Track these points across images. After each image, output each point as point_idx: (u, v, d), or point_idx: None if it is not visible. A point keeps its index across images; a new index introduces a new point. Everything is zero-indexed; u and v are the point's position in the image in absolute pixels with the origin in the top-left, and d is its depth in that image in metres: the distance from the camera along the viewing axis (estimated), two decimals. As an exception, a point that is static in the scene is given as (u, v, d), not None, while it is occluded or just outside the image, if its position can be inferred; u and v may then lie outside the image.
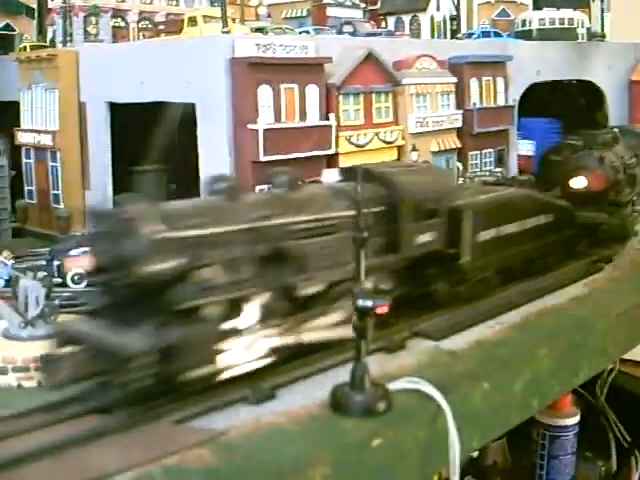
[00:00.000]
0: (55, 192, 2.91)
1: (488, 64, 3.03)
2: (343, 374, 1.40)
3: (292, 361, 1.50)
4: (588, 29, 4.01)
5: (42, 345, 1.38)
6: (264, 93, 2.27)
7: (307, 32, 3.25)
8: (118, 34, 3.52)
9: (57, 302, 1.81)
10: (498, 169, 3.00)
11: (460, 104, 2.92)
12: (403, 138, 2.70)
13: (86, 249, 1.84)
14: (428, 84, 2.78)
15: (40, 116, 2.94)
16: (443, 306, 1.86)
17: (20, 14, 3.97)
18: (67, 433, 1.19)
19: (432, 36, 4.15)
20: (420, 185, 1.82)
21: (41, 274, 1.85)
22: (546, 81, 3.40)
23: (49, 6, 3.67)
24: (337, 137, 2.45)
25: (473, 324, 1.81)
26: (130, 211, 1.34)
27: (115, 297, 1.36)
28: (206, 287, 1.36)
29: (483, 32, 3.74)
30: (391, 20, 4.26)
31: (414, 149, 2.72)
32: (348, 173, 1.84)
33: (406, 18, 4.22)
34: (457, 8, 4.05)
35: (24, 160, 3.05)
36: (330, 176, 1.85)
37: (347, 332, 1.44)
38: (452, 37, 4.08)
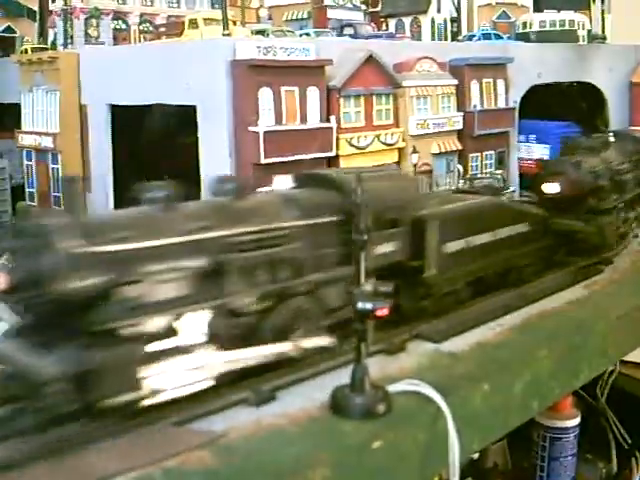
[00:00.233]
0: (56, 194, 2.91)
1: (489, 66, 3.03)
2: (343, 376, 1.40)
3: (238, 383, 1.42)
4: (589, 31, 4.01)
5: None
6: (265, 95, 2.28)
7: (308, 34, 3.25)
8: (119, 36, 3.53)
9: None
10: (499, 171, 3.00)
11: (461, 106, 2.92)
12: (404, 140, 2.70)
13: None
14: (429, 86, 2.78)
15: (41, 118, 2.94)
16: (408, 321, 1.76)
17: (21, 16, 3.98)
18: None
19: (433, 38, 4.14)
20: (380, 192, 1.70)
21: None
22: (547, 83, 3.40)
23: (50, 8, 3.68)
24: (338, 139, 2.45)
25: (473, 326, 1.81)
26: (48, 225, 1.26)
27: (34, 316, 1.28)
28: (133, 306, 1.27)
29: (484, 34, 3.74)
30: (392, 22, 4.26)
31: (415, 151, 2.72)
32: (302, 180, 1.75)
33: (407, 20, 4.22)
34: (458, 10, 4.05)
35: (25, 162, 3.05)
36: (282, 183, 1.77)
37: (301, 350, 1.41)
38: (453, 39, 4.07)
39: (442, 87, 2.85)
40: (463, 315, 1.86)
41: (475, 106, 2.96)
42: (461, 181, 2.86)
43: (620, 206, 2.48)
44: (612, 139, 2.67)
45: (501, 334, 1.79)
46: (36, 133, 2.95)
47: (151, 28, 3.61)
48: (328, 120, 2.44)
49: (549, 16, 3.93)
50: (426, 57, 2.80)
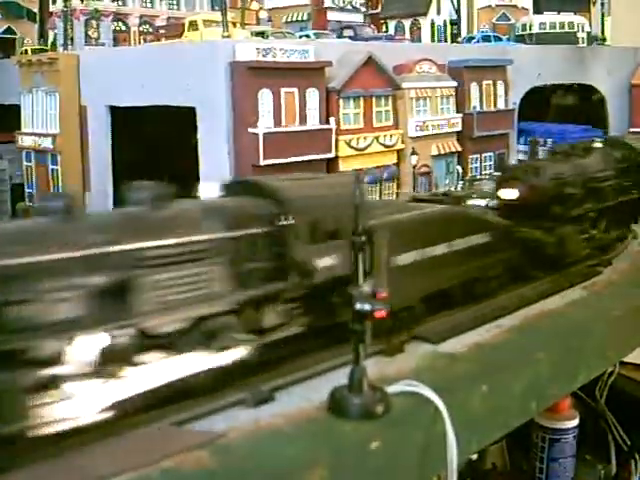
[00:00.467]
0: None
1: (488, 68, 3.04)
2: (341, 377, 1.40)
3: (176, 403, 1.33)
4: (588, 33, 4.02)
5: None
6: (264, 97, 2.28)
7: (307, 36, 3.26)
8: (119, 38, 3.54)
9: None
10: (498, 173, 3.01)
11: (460, 108, 2.93)
12: (403, 142, 2.71)
13: None
14: (428, 88, 2.79)
15: (41, 119, 2.95)
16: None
17: (22, 18, 3.99)
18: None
19: (432, 40, 4.16)
20: (318, 201, 1.58)
21: None
22: (546, 85, 3.41)
23: (50, 10, 3.69)
24: (337, 141, 2.46)
25: (472, 327, 1.81)
26: None
27: None
28: (19, 328, 1.15)
29: (483, 36, 3.75)
30: (391, 24, 4.28)
31: (414, 153, 2.73)
32: (232, 187, 1.61)
33: (406, 22, 4.24)
34: (457, 12, 4.06)
35: (25, 163, 3.05)
36: (209, 190, 1.59)
37: (218, 378, 1.31)
38: (452, 41, 4.08)
39: (441, 89, 2.85)
40: (461, 316, 1.86)
41: (474, 108, 2.96)
42: (461, 182, 2.86)
43: (592, 215, 2.34)
44: (599, 145, 2.57)
45: (500, 335, 1.79)
46: (36, 134, 2.96)
47: (151, 30, 3.62)
48: (327, 122, 2.45)
49: (549, 18, 3.95)
50: (425, 59, 2.80)
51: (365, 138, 2.56)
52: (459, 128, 2.92)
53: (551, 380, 1.77)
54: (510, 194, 2.18)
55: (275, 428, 1.30)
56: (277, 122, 2.31)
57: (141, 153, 3.04)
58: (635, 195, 2.57)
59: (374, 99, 2.61)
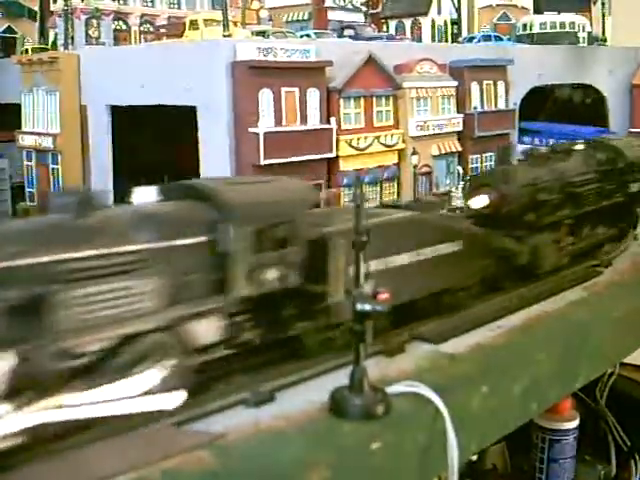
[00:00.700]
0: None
1: (489, 68, 3.04)
2: (342, 377, 1.40)
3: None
4: (589, 33, 4.02)
5: None
6: (265, 96, 2.28)
7: (308, 36, 3.25)
8: (119, 37, 3.53)
9: None
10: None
11: (461, 108, 2.92)
12: (404, 142, 2.70)
13: None
14: (429, 88, 2.79)
15: (41, 119, 2.95)
16: (310, 355, 1.54)
17: (22, 17, 3.99)
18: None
19: (433, 40, 4.15)
20: (265, 206, 1.46)
21: None
22: (547, 85, 3.41)
23: (51, 9, 3.68)
24: (338, 140, 2.45)
25: (472, 328, 1.81)
26: None
27: None
28: None
29: (484, 36, 3.75)
30: (392, 24, 4.27)
31: (415, 153, 2.73)
32: (170, 191, 1.47)
33: (407, 22, 4.23)
34: (458, 12, 4.05)
35: (25, 162, 3.05)
36: (144, 195, 1.45)
37: (147, 403, 1.21)
38: (453, 41, 4.08)
39: (442, 89, 2.85)
40: (462, 316, 1.86)
41: (475, 108, 2.96)
42: (461, 183, 2.86)
43: (570, 222, 2.26)
44: (580, 147, 2.49)
45: (500, 336, 1.79)
46: (36, 133, 2.96)
47: (152, 29, 3.61)
48: (328, 121, 2.44)
49: (549, 18, 3.95)
50: (426, 59, 2.80)
51: (366, 138, 2.56)
52: (460, 128, 2.92)
53: (551, 381, 1.77)
54: (480, 202, 2.07)
55: (276, 429, 1.30)
56: (278, 122, 2.31)
57: (142, 153, 3.04)
58: (619, 199, 2.47)
59: (375, 99, 2.61)
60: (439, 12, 4.21)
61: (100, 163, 2.82)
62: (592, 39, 4.03)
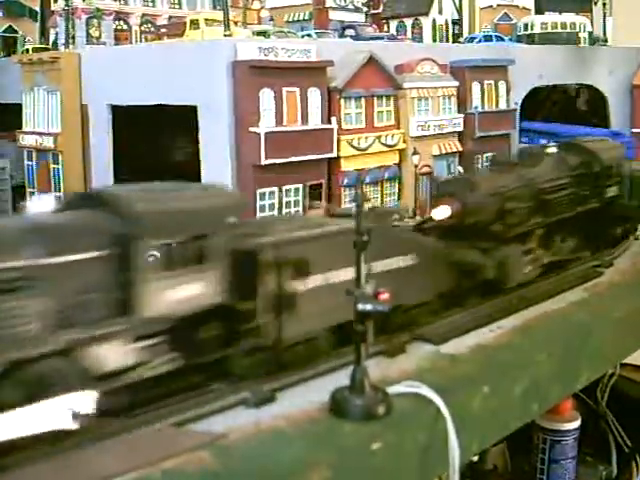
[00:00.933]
0: (56, 194, 2.91)
1: (490, 68, 3.03)
2: (343, 378, 1.40)
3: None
4: (590, 33, 4.01)
5: None
6: (266, 96, 2.28)
7: (309, 35, 3.25)
8: (120, 37, 3.53)
9: None
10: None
11: (461, 108, 2.92)
12: (404, 142, 2.70)
13: None
14: (430, 88, 2.79)
15: (42, 118, 2.95)
16: (242, 379, 1.41)
17: (23, 16, 3.99)
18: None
19: (434, 40, 4.15)
20: (179, 216, 1.31)
21: None
22: (547, 85, 3.40)
23: (52, 8, 3.69)
24: (339, 140, 2.45)
25: (473, 328, 1.81)
26: None
27: None
28: None
29: (485, 36, 3.75)
30: (393, 24, 4.27)
31: (415, 153, 2.72)
32: (74, 200, 1.34)
33: (408, 22, 4.23)
34: (459, 12, 4.06)
35: (26, 162, 3.05)
36: (41, 204, 1.32)
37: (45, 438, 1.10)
38: (454, 41, 4.08)
39: (443, 89, 2.85)
40: (463, 317, 1.85)
41: (476, 108, 2.96)
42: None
43: (541, 232, 2.14)
44: (553, 151, 2.36)
45: (501, 336, 1.79)
46: (37, 133, 2.95)
47: (152, 29, 3.61)
48: (329, 121, 2.44)
49: (550, 18, 3.95)
50: (427, 59, 2.80)
51: (367, 138, 2.56)
52: (461, 128, 2.92)
53: (552, 381, 1.77)
54: (442, 213, 1.94)
55: (276, 429, 1.30)
56: (278, 122, 2.31)
57: (143, 152, 3.04)
58: (595, 205, 2.34)
59: (376, 99, 2.61)
60: (440, 12, 4.21)
61: (101, 163, 2.82)
62: (593, 39, 4.03)
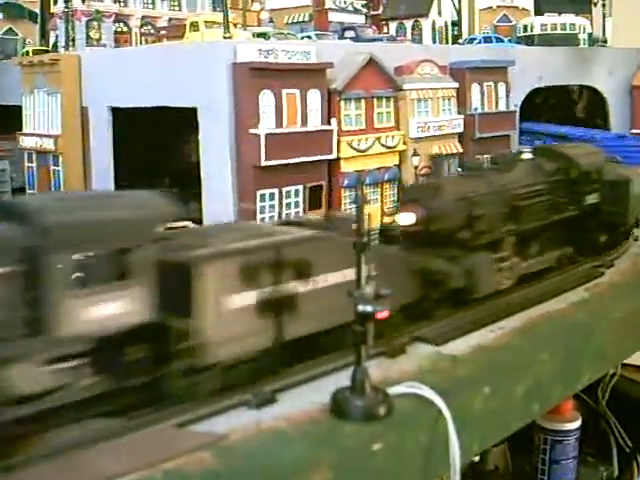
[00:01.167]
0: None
1: (489, 69, 3.04)
2: (343, 378, 1.40)
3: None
4: (590, 34, 4.02)
5: None
6: (266, 98, 2.28)
7: (309, 37, 3.25)
8: (120, 39, 3.54)
9: None
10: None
11: (461, 109, 2.92)
12: (404, 143, 2.70)
13: None
14: (429, 89, 2.79)
15: (42, 120, 2.95)
16: (181, 401, 1.31)
17: (23, 18, 3.99)
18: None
19: (434, 41, 4.15)
20: (98, 226, 1.19)
21: None
22: (547, 86, 3.41)
23: (52, 11, 3.69)
24: (338, 142, 2.45)
25: (474, 329, 1.81)
26: None
27: None
28: None
29: (485, 37, 3.75)
30: (393, 25, 4.27)
31: (415, 154, 2.73)
32: None
33: (408, 23, 4.23)
34: (459, 13, 4.06)
35: (26, 164, 3.05)
36: None
37: None
38: (454, 42, 4.08)
39: (443, 90, 2.85)
40: (464, 318, 1.85)
41: (476, 109, 2.96)
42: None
43: (513, 240, 2.06)
44: (529, 156, 2.30)
45: (502, 337, 1.79)
46: (37, 135, 2.96)
47: (152, 31, 3.62)
48: (329, 123, 2.44)
49: (550, 19, 3.95)
50: (427, 60, 2.80)
51: (366, 139, 2.56)
52: (460, 129, 2.92)
53: (553, 382, 1.77)
54: (407, 219, 1.87)
55: (277, 430, 1.30)
56: (278, 123, 2.31)
57: (143, 154, 3.05)
58: (573, 212, 2.27)
59: (375, 100, 2.61)
60: (440, 14, 4.21)
61: (101, 164, 2.82)
62: (592, 40, 4.03)
